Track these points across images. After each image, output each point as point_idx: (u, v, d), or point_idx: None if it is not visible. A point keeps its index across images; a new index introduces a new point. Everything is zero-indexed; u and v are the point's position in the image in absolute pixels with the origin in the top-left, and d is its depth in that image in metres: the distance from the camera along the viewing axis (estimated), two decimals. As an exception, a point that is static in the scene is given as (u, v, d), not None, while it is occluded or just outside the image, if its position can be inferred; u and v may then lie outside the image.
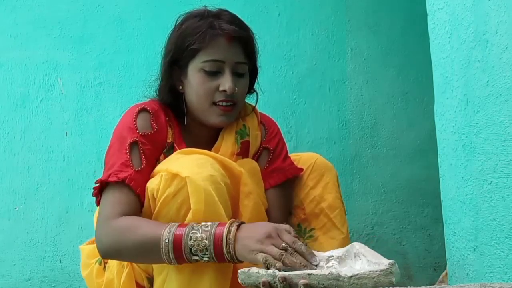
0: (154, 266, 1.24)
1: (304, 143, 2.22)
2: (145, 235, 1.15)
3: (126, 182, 1.22)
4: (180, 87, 1.39)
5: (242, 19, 1.40)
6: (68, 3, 2.18)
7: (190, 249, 1.12)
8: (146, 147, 1.29)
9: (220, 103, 1.34)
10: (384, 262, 0.96)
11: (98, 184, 1.25)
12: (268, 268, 1.05)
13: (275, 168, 1.44)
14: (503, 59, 0.95)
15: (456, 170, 1.12)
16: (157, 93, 1.42)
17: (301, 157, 1.51)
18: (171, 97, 1.39)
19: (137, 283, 1.29)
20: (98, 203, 1.27)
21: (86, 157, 2.12)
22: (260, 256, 1.07)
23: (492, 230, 0.99)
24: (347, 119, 2.27)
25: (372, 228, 2.22)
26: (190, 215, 1.15)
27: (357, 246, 1.07)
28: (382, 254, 1.06)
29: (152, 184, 1.20)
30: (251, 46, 1.39)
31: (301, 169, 1.46)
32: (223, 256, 1.12)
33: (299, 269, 1.03)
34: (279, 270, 1.02)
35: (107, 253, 1.22)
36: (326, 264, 1.07)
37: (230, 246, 1.10)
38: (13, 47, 2.15)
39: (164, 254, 1.13)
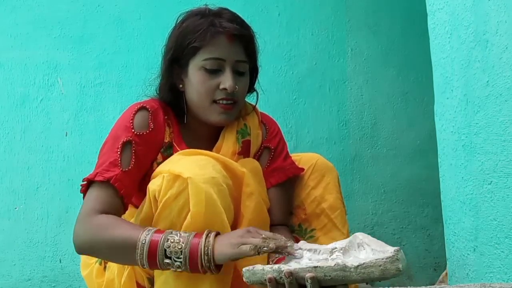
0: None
1: (304, 143, 2.22)
2: (122, 234, 1.15)
3: (111, 182, 1.22)
4: (181, 86, 1.39)
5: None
6: (68, 3, 2.18)
7: (165, 250, 1.10)
8: (139, 147, 1.29)
9: (221, 101, 1.34)
10: (389, 250, 0.95)
11: (86, 182, 1.25)
12: (259, 253, 1.04)
13: (276, 167, 1.44)
14: (503, 59, 0.95)
15: (456, 170, 1.13)
16: (157, 92, 1.42)
17: (302, 158, 1.51)
18: (172, 95, 1.39)
19: (137, 283, 1.29)
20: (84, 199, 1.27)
21: (86, 157, 2.12)
22: (245, 247, 1.06)
23: (492, 230, 0.99)
24: (347, 119, 2.27)
25: (372, 228, 2.21)
26: (189, 218, 1.15)
27: (360, 236, 1.05)
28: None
29: (153, 185, 1.20)
30: (252, 45, 1.39)
31: (302, 169, 1.46)
32: (197, 259, 1.09)
33: (293, 260, 1.02)
34: (274, 253, 1.01)
35: (81, 248, 1.21)
36: (330, 256, 1.06)
37: (209, 247, 1.09)
38: (13, 47, 2.15)
39: (138, 255, 1.12)
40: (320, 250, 1.08)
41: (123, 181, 1.24)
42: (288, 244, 1.06)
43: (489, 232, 1.00)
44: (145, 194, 1.23)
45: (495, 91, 0.97)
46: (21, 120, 2.14)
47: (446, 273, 1.28)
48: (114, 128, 1.32)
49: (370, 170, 2.26)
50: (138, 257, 1.12)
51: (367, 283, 1.15)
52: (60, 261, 2.10)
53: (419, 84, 2.28)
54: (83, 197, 1.27)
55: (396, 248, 0.94)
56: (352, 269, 0.93)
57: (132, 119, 1.30)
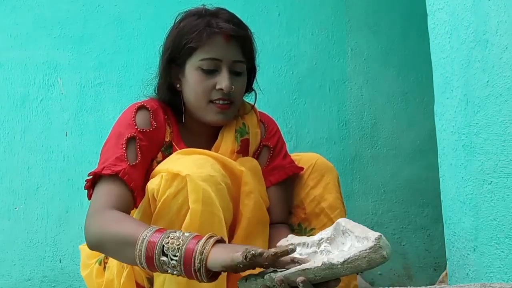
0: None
1: (304, 143, 2.22)
2: (126, 230, 1.10)
3: (120, 175, 1.20)
4: (178, 85, 1.39)
5: (242, 18, 1.40)
6: (68, 3, 2.18)
7: (163, 246, 1.03)
8: (143, 143, 1.28)
9: (217, 101, 1.34)
10: (370, 237, 0.94)
11: (91, 177, 1.23)
12: (246, 258, 0.97)
13: (276, 166, 1.45)
14: (503, 59, 0.95)
15: (456, 170, 1.13)
16: (156, 91, 1.42)
17: (302, 157, 1.51)
18: (169, 95, 1.40)
19: (137, 283, 1.29)
20: (90, 197, 1.25)
21: (86, 157, 2.12)
22: (236, 253, 0.99)
23: (492, 230, 0.99)
24: (347, 119, 2.27)
25: (372, 228, 2.19)
26: (187, 216, 1.15)
27: (343, 222, 1.04)
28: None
29: (152, 185, 1.20)
30: (249, 45, 1.39)
31: (301, 168, 1.47)
32: (191, 259, 1.01)
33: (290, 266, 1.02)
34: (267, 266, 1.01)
35: (91, 242, 1.18)
36: (318, 248, 1.06)
37: (205, 248, 1.01)
38: (13, 47, 2.15)
39: (137, 251, 1.06)
40: (309, 243, 1.08)
41: (132, 175, 1.22)
42: (279, 254, 1.03)
43: (489, 232, 1.00)
44: (144, 194, 1.23)
45: (495, 91, 0.97)
46: (21, 120, 2.14)
47: (446, 273, 1.28)
48: (116, 127, 1.32)
49: (370, 170, 2.26)
50: (137, 254, 1.06)
51: (364, 277, 1.14)
52: (60, 261, 2.10)
53: (419, 84, 2.28)
54: (88, 194, 1.25)
55: (376, 235, 0.93)
56: (339, 266, 0.93)
57: (134, 117, 1.30)
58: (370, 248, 0.92)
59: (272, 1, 2.25)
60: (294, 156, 1.52)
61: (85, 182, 1.25)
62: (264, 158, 1.46)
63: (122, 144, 1.25)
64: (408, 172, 2.27)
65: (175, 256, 1.02)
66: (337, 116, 2.26)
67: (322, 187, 1.45)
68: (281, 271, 1.00)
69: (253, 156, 1.45)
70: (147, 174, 1.30)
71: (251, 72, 1.45)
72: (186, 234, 1.06)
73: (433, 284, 1.50)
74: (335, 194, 1.45)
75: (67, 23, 2.17)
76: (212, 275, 1.03)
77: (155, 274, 1.22)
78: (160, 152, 1.34)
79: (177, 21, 1.39)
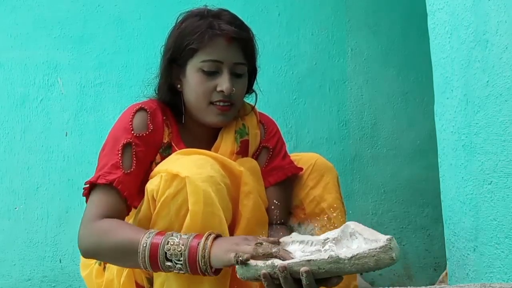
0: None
1: (304, 143, 2.22)
2: (124, 238, 1.15)
3: (114, 184, 1.22)
4: (179, 86, 1.39)
5: (242, 19, 1.40)
6: (68, 3, 2.18)
7: (166, 253, 1.10)
8: (139, 148, 1.29)
9: (218, 103, 1.34)
10: (381, 238, 0.94)
11: (88, 185, 1.26)
12: (237, 263, 1.03)
13: (275, 167, 1.45)
14: (503, 59, 0.95)
15: (456, 170, 1.12)
16: (156, 91, 1.42)
17: (302, 158, 1.51)
18: (170, 95, 1.39)
19: (136, 283, 1.29)
20: (87, 202, 1.28)
21: (86, 157, 2.12)
22: (232, 254, 1.05)
23: (492, 230, 0.99)
24: (347, 119, 2.27)
25: (372, 228, 2.21)
26: (188, 217, 1.15)
27: (352, 225, 1.04)
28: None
29: (151, 185, 1.20)
30: (251, 47, 1.39)
31: (301, 168, 1.46)
32: (196, 262, 1.09)
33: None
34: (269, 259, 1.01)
35: (86, 253, 1.22)
36: (323, 247, 1.05)
37: (206, 250, 1.09)
38: (13, 47, 2.15)
39: (140, 258, 1.12)
40: (313, 242, 1.08)
41: (126, 183, 1.24)
42: (273, 250, 1.05)
43: (489, 232, 1.00)
44: (144, 194, 1.23)
45: (495, 91, 0.97)
46: (21, 120, 2.14)
47: (446, 273, 1.28)
48: (113, 130, 1.32)
49: (370, 170, 2.26)
50: (141, 261, 1.13)
51: (364, 278, 1.14)
52: (60, 261, 2.10)
53: (419, 84, 2.28)
54: (86, 200, 1.27)
55: (388, 236, 0.93)
56: (346, 261, 0.92)
57: (131, 121, 1.30)
58: (380, 248, 0.91)
59: (272, 1, 2.25)
60: (294, 156, 1.52)
61: (83, 190, 1.27)
62: (263, 159, 1.46)
63: (118, 151, 1.26)
64: (408, 172, 2.27)
65: (179, 260, 1.10)
66: (337, 116, 2.26)
67: (321, 187, 1.45)
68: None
69: (252, 157, 1.45)
70: (146, 177, 1.30)
71: (252, 74, 1.45)
72: (184, 237, 1.11)
73: (433, 284, 1.50)
74: (334, 194, 1.45)
75: (67, 23, 2.17)
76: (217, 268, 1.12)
77: (155, 274, 1.23)
78: (158, 154, 1.34)
79: (178, 21, 1.39)
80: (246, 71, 1.39)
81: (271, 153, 1.47)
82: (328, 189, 1.44)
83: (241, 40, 1.35)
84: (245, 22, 1.40)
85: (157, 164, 1.30)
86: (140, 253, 1.12)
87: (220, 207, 1.16)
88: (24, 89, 2.15)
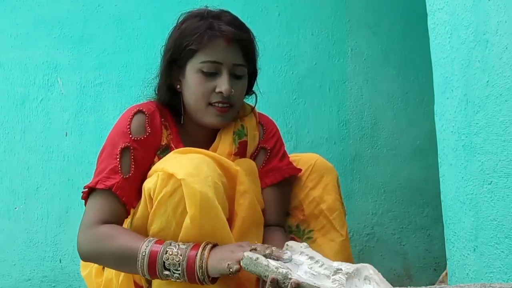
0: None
1: (304, 143, 2.22)
2: (124, 246, 1.17)
3: (113, 190, 1.23)
4: (178, 86, 1.39)
5: (242, 19, 1.40)
6: (68, 3, 2.18)
7: (164, 262, 1.12)
8: (138, 152, 1.29)
9: (216, 104, 1.34)
10: None
11: (87, 189, 1.27)
12: (230, 273, 1.06)
13: (272, 168, 1.44)
14: (503, 59, 0.95)
15: (456, 170, 1.12)
16: (156, 92, 1.42)
17: (301, 158, 1.50)
18: (169, 95, 1.40)
19: (135, 283, 1.29)
20: (86, 206, 1.29)
21: (86, 157, 2.12)
22: (225, 263, 1.08)
23: (492, 230, 0.99)
24: (347, 119, 2.27)
25: (372, 228, 2.21)
26: (187, 219, 1.15)
27: (371, 270, 1.03)
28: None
29: (148, 184, 1.21)
30: (251, 49, 1.39)
31: (299, 169, 1.46)
32: (194, 273, 1.11)
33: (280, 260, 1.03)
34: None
35: (86, 258, 1.25)
36: (332, 275, 1.03)
37: (203, 261, 1.11)
38: (13, 47, 2.15)
39: (139, 266, 1.14)
40: (323, 264, 1.06)
41: (124, 188, 1.25)
42: (267, 252, 1.07)
43: (489, 232, 1.00)
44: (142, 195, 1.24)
45: (495, 91, 0.97)
46: (21, 120, 2.14)
47: (446, 273, 1.28)
48: (112, 134, 1.33)
49: (370, 170, 2.26)
50: (139, 269, 1.15)
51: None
52: (60, 261, 2.10)
53: (419, 84, 2.28)
54: (85, 204, 1.28)
55: None
56: None
57: (129, 124, 1.30)
58: None
59: (272, 1, 2.24)
60: (294, 156, 1.51)
61: (82, 194, 1.28)
62: (260, 160, 1.46)
63: (117, 155, 1.27)
64: (408, 172, 2.27)
65: (177, 270, 1.12)
66: (337, 116, 2.26)
67: (321, 188, 1.44)
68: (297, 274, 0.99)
69: (250, 158, 1.45)
70: (144, 179, 1.30)
71: (252, 75, 1.45)
72: (182, 247, 1.13)
73: (433, 284, 1.50)
74: (334, 196, 1.44)
75: (67, 23, 2.17)
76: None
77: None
78: (156, 156, 1.35)
79: (179, 22, 1.39)
80: (246, 72, 1.39)
81: (269, 154, 1.46)
82: (328, 190, 1.44)
83: (241, 41, 1.35)
84: (246, 24, 1.40)
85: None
86: (139, 261, 1.14)
87: (219, 206, 1.17)
88: (24, 89, 2.15)
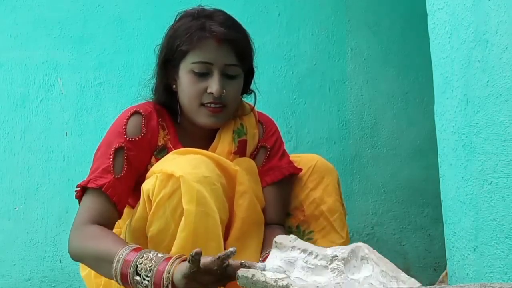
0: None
1: (304, 143, 2.22)
2: (104, 248, 1.16)
3: (103, 190, 1.23)
4: (174, 86, 1.39)
5: (242, 19, 1.40)
6: (68, 3, 2.17)
7: (137, 266, 1.10)
8: (132, 153, 1.30)
9: (208, 105, 1.34)
10: (403, 279, 0.88)
11: (80, 188, 1.28)
12: (190, 262, 1.02)
13: (272, 166, 1.44)
14: (503, 59, 0.95)
15: (456, 170, 1.12)
16: (153, 92, 1.43)
17: (302, 159, 1.50)
18: (166, 95, 1.40)
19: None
20: (79, 205, 1.30)
21: (86, 157, 2.11)
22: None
23: (492, 230, 0.99)
24: (347, 119, 2.27)
25: (372, 228, 2.21)
26: (183, 218, 1.15)
27: (366, 249, 1.01)
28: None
29: (147, 185, 1.21)
30: (243, 48, 1.38)
31: (300, 169, 1.46)
32: (160, 281, 1.07)
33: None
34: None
35: (73, 256, 1.26)
36: (329, 264, 1.01)
37: (171, 271, 1.07)
38: (13, 47, 2.15)
39: (114, 268, 1.12)
40: (318, 254, 1.03)
41: (116, 188, 1.25)
42: (222, 257, 1.04)
43: (489, 232, 1.00)
44: (133, 201, 1.24)
45: (495, 91, 0.97)
46: (21, 120, 2.14)
47: (446, 273, 1.28)
48: (108, 133, 1.34)
49: (370, 170, 2.26)
50: (113, 272, 1.12)
51: None
52: (60, 261, 2.10)
53: (419, 84, 2.28)
54: (79, 203, 1.28)
55: (413, 280, 0.87)
56: None
57: (125, 125, 1.31)
58: None
59: (272, 1, 2.24)
60: (294, 157, 1.51)
61: (75, 193, 1.29)
62: (260, 159, 1.46)
63: (110, 155, 1.27)
64: (408, 172, 2.27)
65: (147, 276, 1.08)
66: (337, 116, 2.26)
67: (321, 189, 1.44)
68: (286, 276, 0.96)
69: (250, 157, 1.45)
70: (142, 180, 1.30)
71: (249, 74, 1.45)
72: (160, 255, 1.10)
73: (433, 284, 1.50)
74: (334, 197, 1.44)
75: (67, 23, 2.17)
76: None
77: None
78: (153, 157, 1.35)
79: (174, 21, 1.39)
80: (241, 72, 1.39)
81: (268, 152, 1.46)
82: (328, 192, 1.44)
83: (232, 41, 1.34)
84: (241, 23, 1.39)
85: (152, 166, 1.30)
86: (114, 264, 1.12)
87: (214, 208, 1.16)
88: (24, 89, 2.15)
